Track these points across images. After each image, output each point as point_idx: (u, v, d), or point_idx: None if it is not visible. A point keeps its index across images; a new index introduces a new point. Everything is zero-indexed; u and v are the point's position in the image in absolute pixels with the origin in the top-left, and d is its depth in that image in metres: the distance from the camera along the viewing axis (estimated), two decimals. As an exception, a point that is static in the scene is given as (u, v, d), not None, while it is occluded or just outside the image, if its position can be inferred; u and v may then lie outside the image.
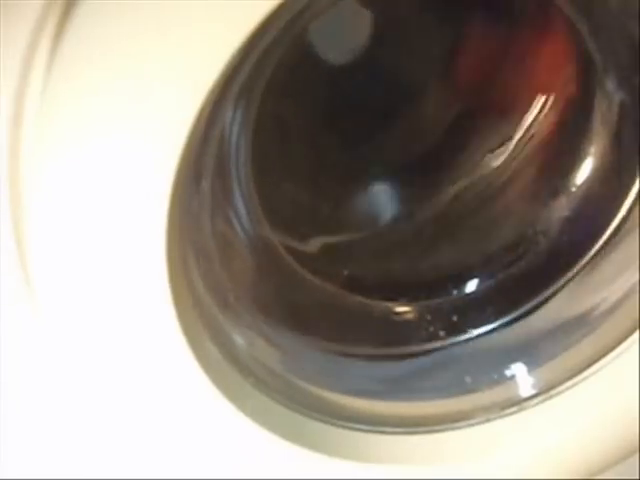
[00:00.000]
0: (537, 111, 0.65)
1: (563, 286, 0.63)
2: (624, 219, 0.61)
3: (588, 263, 0.63)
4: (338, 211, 0.67)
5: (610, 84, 0.61)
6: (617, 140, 0.62)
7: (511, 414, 0.58)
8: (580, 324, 0.60)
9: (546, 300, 0.63)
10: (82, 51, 0.38)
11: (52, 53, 0.38)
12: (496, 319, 0.63)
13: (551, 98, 0.65)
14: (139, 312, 0.44)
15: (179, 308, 0.45)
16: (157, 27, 0.38)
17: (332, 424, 0.55)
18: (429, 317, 0.64)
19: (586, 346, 0.59)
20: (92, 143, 0.40)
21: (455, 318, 0.64)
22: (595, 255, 0.62)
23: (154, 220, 0.42)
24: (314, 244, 0.65)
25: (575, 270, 0.63)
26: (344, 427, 0.55)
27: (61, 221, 0.41)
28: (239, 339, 0.52)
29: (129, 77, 0.39)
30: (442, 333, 0.63)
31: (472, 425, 0.58)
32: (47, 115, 0.39)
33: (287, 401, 0.53)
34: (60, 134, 0.39)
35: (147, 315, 0.44)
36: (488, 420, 0.58)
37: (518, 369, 0.59)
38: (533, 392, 0.58)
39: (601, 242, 0.62)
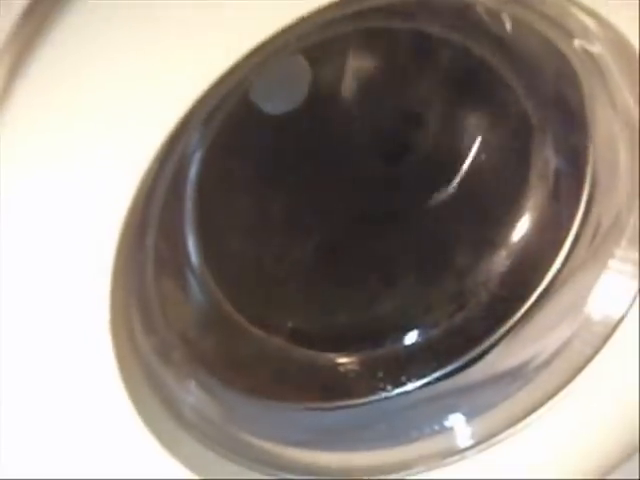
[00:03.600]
0: (475, 166, 0.67)
1: (502, 337, 0.64)
2: (559, 272, 0.63)
3: (525, 315, 0.64)
4: (281, 263, 0.67)
5: (547, 143, 0.63)
6: (555, 195, 0.64)
7: (451, 463, 0.59)
8: (518, 375, 0.61)
9: (486, 351, 0.64)
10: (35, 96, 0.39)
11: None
12: (436, 370, 0.64)
13: (489, 154, 0.67)
14: (81, 364, 0.45)
15: (121, 361, 0.45)
16: (109, 86, 0.39)
17: (272, 475, 0.55)
18: (371, 368, 0.65)
19: (523, 397, 0.60)
20: (43, 190, 0.40)
21: (396, 369, 0.64)
22: (532, 307, 0.64)
23: (99, 273, 0.42)
24: (258, 297, 0.66)
25: (513, 322, 0.64)
26: (285, 478, 0.55)
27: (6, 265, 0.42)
28: (180, 392, 0.53)
29: (81, 131, 0.40)
30: (383, 384, 0.63)
31: (412, 474, 0.58)
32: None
33: (227, 452, 0.53)
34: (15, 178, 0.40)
35: (89, 367, 0.45)
36: (429, 469, 0.59)
37: (456, 419, 0.60)
38: (471, 442, 0.59)
39: (538, 294, 0.64)
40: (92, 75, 0.39)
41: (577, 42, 0.52)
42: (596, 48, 0.51)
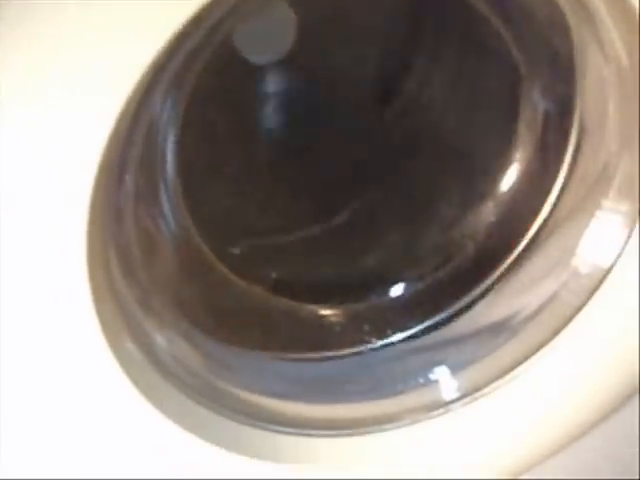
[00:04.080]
0: (462, 116, 0.66)
1: (488, 290, 0.63)
2: (545, 223, 0.62)
3: (512, 267, 0.63)
4: (265, 213, 0.66)
5: (535, 92, 0.62)
6: (542, 146, 0.63)
7: (437, 416, 0.58)
8: (504, 328, 0.61)
9: (471, 304, 0.63)
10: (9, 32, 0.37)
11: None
12: (422, 322, 0.63)
13: (477, 103, 0.66)
14: (58, 310, 0.44)
15: (99, 307, 0.44)
16: (87, 19, 0.38)
17: (255, 426, 0.54)
18: (356, 320, 0.64)
19: (510, 349, 0.59)
20: (16, 129, 0.39)
21: (381, 322, 0.64)
22: (519, 259, 0.63)
23: (75, 215, 0.41)
24: (241, 246, 0.65)
25: (499, 274, 0.63)
26: (267, 429, 0.54)
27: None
28: (161, 340, 0.52)
29: (56, 65, 0.39)
30: (368, 336, 0.63)
31: (398, 427, 0.58)
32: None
33: (208, 402, 0.52)
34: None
35: (66, 313, 0.44)
36: (414, 422, 0.58)
37: (441, 372, 0.60)
38: (457, 395, 0.58)
39: (524, 246, 0.63)
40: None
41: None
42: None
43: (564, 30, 0.56)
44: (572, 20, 0.54)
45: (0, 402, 0.45)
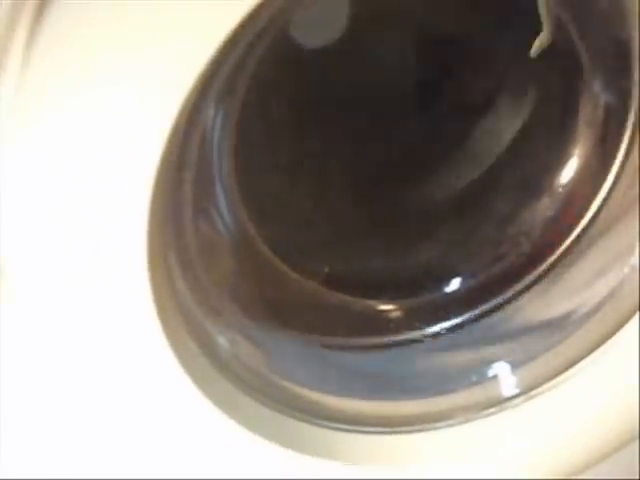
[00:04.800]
0: (522, 110, 0.65)
1: (544, 286, 0.63)
2: (601, 219, 0.61)
3: (569, 263, 0.63)
4: (319, 207, 0.66)
5: (596, 86, 0.61)
6: (602, 142, 0.62)
7: (491, 414, 0.58)
8: (561, 325, 0.60)
9: (528, 299, 0.63)
10: (62, 41, 0.38)
11: (28, 46, 0.38)
12: (477, 318, 0.63)
13: (538, 97, 0.65)
14: (120, 312, 0.44)
15: (160, 308, 0.44)
16: (140, 23, 0.38)
17: (314, 424, 0.54)
18: (411, 316, 0.64)
19: (567, 347, 0.59)
20: (74, 134, 0.39)
21: (436, 317, 0.63)
22: (576, 255, 0.62)
23: (136, 215, 0.41)
24: (295, 241, 0.64)
25: (556, 270, 0.63)
26: (326, 427, 0.55)
27: (43, 215, 0.41)
28: (221, 339, 0.52)
29: (112, 70, 0.38)
30: (422, 332, 0.62)
31: (452, 425, 0.57)
32: (25, 105, 0.39)
33: (269, 400, 0.52)
34: (39, 125, 0.39)
35: (128, 315, 0.44)
36: (468, 420, 0.58)
37: (501, 368, 0.59)
38: (515, 392, 0.58)
39: (582, 242, 0.62)
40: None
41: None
42: None
43: (624, 17, 0.54)
44: (634, 6, 0.53)
45: (65, 400, 0.46)
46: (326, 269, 0.65)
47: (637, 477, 0.63)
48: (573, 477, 0.59)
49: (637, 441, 0.59)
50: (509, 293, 0.63)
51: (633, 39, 0.56)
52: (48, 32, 0.38)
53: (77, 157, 0.40)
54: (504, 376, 0.59)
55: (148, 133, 0.40)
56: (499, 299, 0.63)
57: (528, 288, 0.63)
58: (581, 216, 0.62)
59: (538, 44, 0.59)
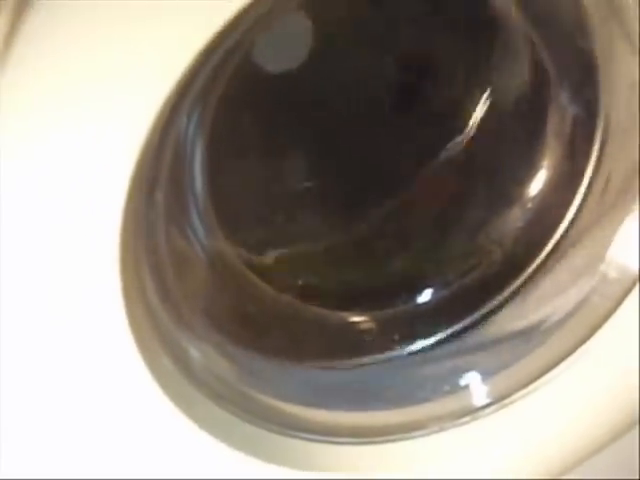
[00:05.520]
0: (487, 117, 0.66)
1: (515, 295, 0.64)
2: (572, 229, 0.62)
3: (539, 273, 0.63)
4: (292, 221, 0.67)
5: (563, 97, 0.62)
6: (570, 153, 0.63)
7: (465, 423, 0.59)
8: (533, 334, 0.61)
9: (499, 309, 0.64)
10: (36, 53, 0.38)
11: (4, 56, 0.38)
12: (449, 328, 0.63)
13: (505, 107, 0.66)
14: (92, 323, 0.44)
15: (132, 320, 0.45)
16: (114, 36, 0.38)
17: (287, 434, 0.55)
18: (383, 326, 0.64)
19: (539, 355, 0.59)
20: (46, 148, 0.40)
21: (409, 328, 0.64)
22: (547, 264, 0.63)
23: (107, 231, 0.42)
24: (269, 254, 0.65)
25: (526, 279, 0.64)
26: (299, 437, 0.55)
27: (13, 225, 0.41)
28: (193, 351, 0.52)
29: (84, 83, 0.39)
30: (396, 343, 0.63)
31: (426, 435, 0.58)
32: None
33: (240, 412, 0.53)
34: (14, 138, 0.39)
35: (100, 327, 0.44)
36: (442, 429, 0.58)
37: (472, 378, 0.60)
38: (487, 401, 0.58)
39: (553, 252, 0.63)
40: (99, 21, 0.38)
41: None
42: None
43: (589, 30, 0.56)
44: (597, 18, 0.54)
45: (37, 415, 0.46)
46: (300, 282, 0.65)
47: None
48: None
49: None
50: (482, 303, 0.64)
51: (596, 51, 0.57)
52: (19, 50, 0.38)
53: (49, 172, 0.40)
54: (476, 386, 0.59)
55: (119, 150, 0.40)
56: (472, 309, 0.64)
57: (501, 298, 0.64)
58: (552, 226, 0.63)
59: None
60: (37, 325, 0.43)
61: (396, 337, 0.63)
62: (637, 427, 0.60)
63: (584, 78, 0.60)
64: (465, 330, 0.63)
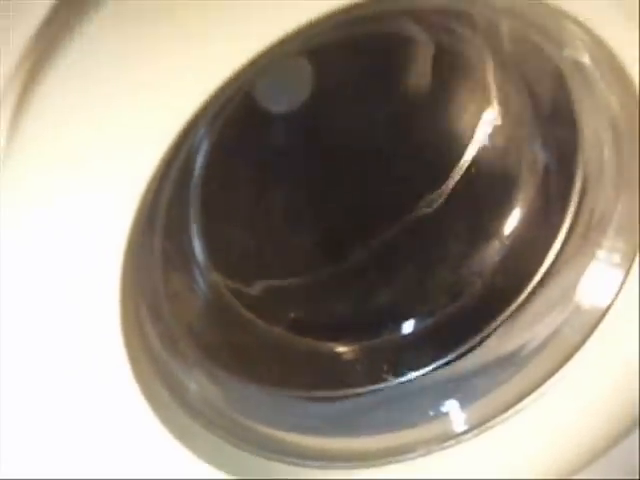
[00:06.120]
0: (468, 160, 0.70)
1: (496, 326, 0.66)
2: (552, 262, 0.65)
3: (519, 304, 0.66)
4: (282, 255, 0.70)
5: (536, 143, 0.65)
6: (544, 189, 0.66)
7: (448, 447, 0.61)
8: (510, 362, 0.63)
9: (481, 339, 0.66)
10: (44, 116, 0.41)
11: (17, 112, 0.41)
12: (434, 358, 0.66)
13: (482, 147, 0.70)
14: (93, 357, 0.47)
15: (131, 354, 0.47)
16: (114, 98, 0.41)
17: (279, 461, 0.57)
18: (371, 357, 0.67)
19: (516, 383, 0.62)
20: (51, 202, 0.43)
21: (395, 358, 0.67)
22: (525, 296, 0.66)
23: (109, 270, 0.45)
24: (260, 288, 0.68)
25: (508, 310, 0.66)
26: (291, 463, 0.58)
27: (19, 274, 0.44)
28: (188, 382, 0.55)
29: (88, 146, 0.42)
30: (381, 373, 0.66)
31: (413, 458, 0.61)
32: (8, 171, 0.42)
33: (235, 439, 0.55)
34: (22, 195, 0.42)
35: (100, 360, 0.47)
36: (427, 454, 0.61)
37: (451, 406, 0.62)
38: (466, 427, 0.61)
39: (530, 283, 0.66)
40: (104, 80, 0.41)
41: (567, 51, 0.54)
42: (584, 58, 0.53)
43: (563, 87, 0.58)
44: (570, 79, 0.57)
45: (36, 442, 0.48)
46: (292, 315, 0.68)
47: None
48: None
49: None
50: (465, 332, 0.67)
51: (573, 104, 0.60)
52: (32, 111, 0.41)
53: (49, 217, 0.43)
54: (455, 413, 0.62)
55: (122, 195, 0.43)
56: (456, 339, 0.66)
57: (482, 327, 0.67)
58: (532, 260, 0.66)
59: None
60: (42, 359, 0.46)
61: (383, 366, 0.66)
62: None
63: (559, 126, 0.62)
64: (449, 359, 0.66)
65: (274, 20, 0.42)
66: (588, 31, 0.49)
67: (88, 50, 0.40)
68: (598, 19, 0.48)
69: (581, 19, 0.48)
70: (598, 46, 0.50)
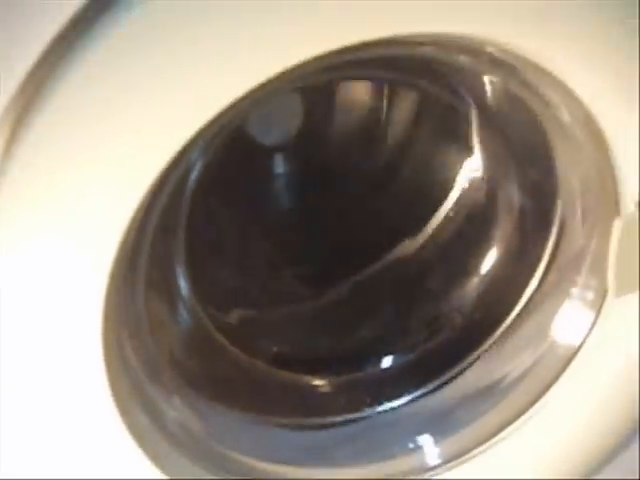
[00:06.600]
0: (450, 204, 0.72)
1: (475, 359, 0.67)
2: (527, 300, 0.66)
3: (497, 339, 0.67)
4: (265, 291, 0.71)
5: (511, 189, 0.67)
6: (521, 229, 0.68)
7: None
8: (487, 395, 0.64)
9: (459, 373, 0.67)
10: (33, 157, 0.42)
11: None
12: (412, 392, 0.67)
13: (463, 190, 0.71)
14: (74, 384, 0.48)
15: (112, 380, 0.48)
16: (108, 127, 0.43)
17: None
18: (351, 391, 0.68)
19: (493, 415, 0.63)
20: (39, 232, 0.44)
21: (375, 392, 0.67)
22: (503, 332, 0.67)
23: (92, 300, 0.46)
24: (242, 322, 0.69)
25: (486, 344, 0.67)
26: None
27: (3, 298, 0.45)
28: (168, 410, 0.56)
29: (80, 170, 0.43)
30: (359, 406, 0.66)
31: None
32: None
33: (213, 468, 0.56)
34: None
35: (81, 386, 0.48)
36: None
37: (425, 440, 0.63)
38: (439, 461, 0.62)
39: (509, 319, 0.67)
40: (100, 116, 0.42)
41: (550, 110, 0.56)
42: (565, 117, 0.55)
43: (541, 133, 0.60)
44: (551, 135, 0.59)
45: (18, 466, 0.49)
46: (274, 349, 0.69)
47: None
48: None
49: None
50: (444, 367, 0.68)
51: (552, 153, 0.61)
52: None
53: (44, 236, 0.44)
54: (429, 447, 0.63)
55: (107, 224, 0.45)
56: (434, 373, 0.67)
57: (461, 362, 0.67)
58: (510, 297, 0.67)
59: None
60: (23, 378, 0.47)
61: (359, 401, 0.67)
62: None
63: (539, 174, 0.64)
64: (427, 393, 0.67)
65: (268, 60, 0.43)
66: (566, 88, 0.51)
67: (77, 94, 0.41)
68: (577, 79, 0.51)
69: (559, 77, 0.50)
70: (574, 102, 0.52)
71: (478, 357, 0.67)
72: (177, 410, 0.57)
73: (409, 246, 0.73)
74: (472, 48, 0.51)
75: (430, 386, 0.67)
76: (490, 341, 0.67)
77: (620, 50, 0.50)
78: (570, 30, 0.49)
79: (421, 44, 0.52)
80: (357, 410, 0.67)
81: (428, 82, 0.66)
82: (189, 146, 0.45)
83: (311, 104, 0.70)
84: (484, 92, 0.63)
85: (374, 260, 0.72)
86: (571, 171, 0.60)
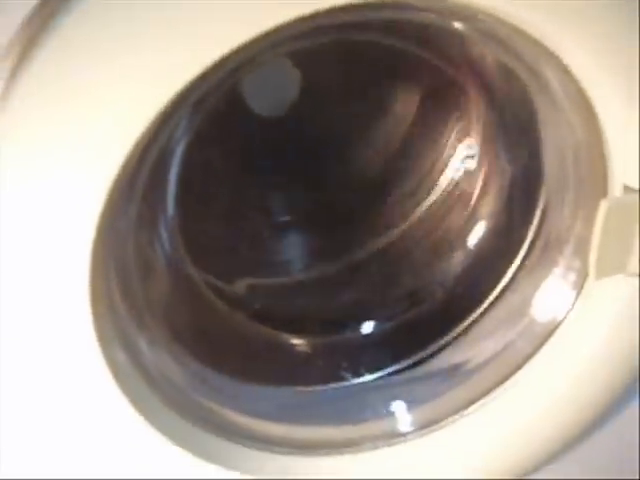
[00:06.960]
0: (445, 181, 0.72)
1: (456, 334, 0.68)
2: (511, 277, 0.67)
3: (479, 313, 0.68)
4: (254, 247, 0.72)
5: (502, 158, 0.68)
6: (508, 205, 0.69)
7: (395, 444, 0.63)
8: (464, 368, 0.65)
9: (439, 347, 0.68)
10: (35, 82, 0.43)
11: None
12: (390, 362, 0.67)
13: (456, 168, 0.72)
14: (58, 316, 0.48)
15: (96, 315, 0.49)
16: (102, 76, 0.44)
17: (231, 440, 0.59)
18: (326, 353, 0.69)
19: (468, 387, 0.64)
20: (35, 160, 0.45)
21: (353, 357, 0.68)
22: (484, 307, 0.68)
23: (82, 233, 0.47)
24: (229, 276, 0.70)
25: (467, 319, 0.68)
26: (240, 444, 0.59)
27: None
28: (150, 354, 0.56)
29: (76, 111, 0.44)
30: (340, 370, 0.67)
31: (361, 451, 0.62)
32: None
33: (191, 417, 0.57)
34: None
35: (65, 320, 0.49)
36: (375, 448, 0.62)
37: (398, 407, 0.64)
38: (412, 428, 0.63)
39: (492, 295, 0.68)
40: (93, 61, 0.43)
41: (542, 86, 0.56)
42: (558, 95, 0.56)
43: (530, 108, 0.60)
44: (537, 100, 0.60)
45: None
46: (256, 305, 0.70)
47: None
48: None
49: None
50: (423, 339, 0.68)
51: (538, 125, 0.62)
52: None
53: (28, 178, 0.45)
54: (401, 414, 0.64)
55: (101, 162, 0.45)
56: (413, 344, 0.68)
57: (441, 335, 0.68)
58: (492, 273, 0.68)
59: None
60: (9, 323, 0.48)
61: (337, 364, 0.68)
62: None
63: (523, 144, 0.65)
64: (406, 364, 0.68)
65: (258, 15, 0.44)
66: (561, 65, 0.52)
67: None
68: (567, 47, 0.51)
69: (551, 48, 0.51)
70: (569, 79, 0.53)
71: (459, 331, 0.68)
72: (158, 355, 0.57)
73: (399, 218, 0.73)
74: (466, 15, 0.52)
75: (410, 357, 0.68)
76: (471, 316, 0.68)
77: (618, 28, 0.50)
78: (567, 6, 0.49)
79: (417, 9, 0.52)
80: (336, 374, 0.67)
81: (425, 50, 0.66)
82: (187, 91, 0.45)
83: (308, 70, 0.71)
84: (482, 65, 0.64)
85: (361, 227, 0.73)
86: (560, 151, 0.60)
